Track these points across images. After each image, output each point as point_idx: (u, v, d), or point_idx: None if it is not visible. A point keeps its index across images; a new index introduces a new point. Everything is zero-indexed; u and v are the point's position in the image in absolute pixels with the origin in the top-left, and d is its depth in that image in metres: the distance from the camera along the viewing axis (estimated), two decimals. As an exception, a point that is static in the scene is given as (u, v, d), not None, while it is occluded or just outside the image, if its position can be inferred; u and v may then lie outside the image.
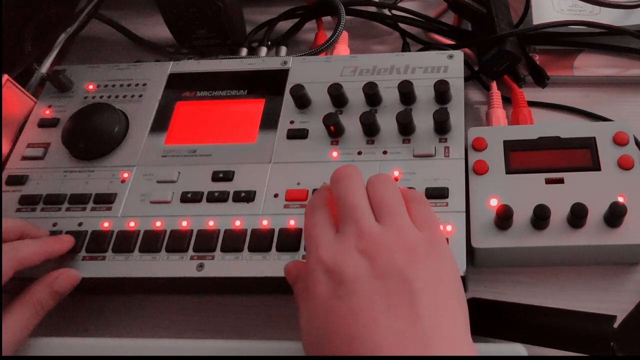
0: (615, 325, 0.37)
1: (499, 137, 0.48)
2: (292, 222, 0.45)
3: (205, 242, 0.45)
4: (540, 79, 0.54)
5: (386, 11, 0.62)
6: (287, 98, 0.51)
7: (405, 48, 0.59)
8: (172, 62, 0.56)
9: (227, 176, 0.48)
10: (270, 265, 0.43)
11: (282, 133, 0.50)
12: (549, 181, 0.45)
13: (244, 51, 0.60)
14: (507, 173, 0.46)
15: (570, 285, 0.44)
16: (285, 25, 0.63)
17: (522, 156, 0.46)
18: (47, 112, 0.54)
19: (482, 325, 0.39)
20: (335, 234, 0.36)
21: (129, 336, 0.45)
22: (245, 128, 0.51)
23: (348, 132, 0.49)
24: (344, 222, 0.36)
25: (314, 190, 0.46)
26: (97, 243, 0.46)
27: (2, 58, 0.59)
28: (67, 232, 0.46)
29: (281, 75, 0.53)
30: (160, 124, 0.52)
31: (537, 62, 0.56)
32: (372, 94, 0.49)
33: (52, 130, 0.52)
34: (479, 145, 0.47)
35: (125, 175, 0.49)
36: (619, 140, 0.46)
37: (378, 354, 0.30)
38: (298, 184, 0.47)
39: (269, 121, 0.50)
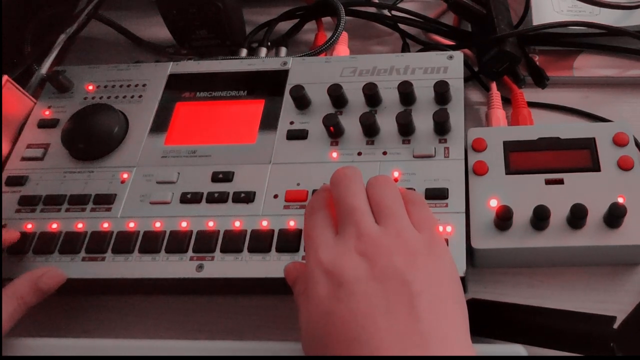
0: (615, 326, 0.37)
1: (499, 138, 0.48)
2: (291, 223, 0.45)
3: (205, 242, 0.45)
4: (540, 80, 0.54)
5: (386, 12, 0.62)
6: (287, 99, 0.51)
7: (405, 49, 0.59)
8: (171, 62, 0.56)
9: (227, 177, 0.48)
10: (270, 266, 0.43)
11: (282, 134, 0.50)
12: (548, 182, 0.45)
13: (244, 52, 0.60)
14: (507, 174, 0.46)
15: (570, 286, 0.44)
16: (285, 26, 0.63)
17: (522, 157, 0.46)
18: (47, 112, 0.54)
19: (482, 326, 0.39)
20: (335, 235, 0.36)
21: (129, 337, 0.45)
22: (245, 129, 0.51)
23: (348, 133, 0.49)
24: (344, 224, 0.36)
25: (314, 191, 0.46)
26: (97, 244, 0.46)
27: (2, 58, 0.59)
28: (66, 233, 0.46)
29: (281, 75, 0.53)
30: (160, 124, 0.52)
31: (537, 63, 0.56)
32: (371, 95, 0.49)
33: (52, 131, 0.52)
34: (478, 146, 0.47)
35: (125, 175, 0.49)
36: (618, 141, 0.46)
37: (377, 355, 0.30)
38: (298, 184, 0.47)
39: (269, 122, 0.50)
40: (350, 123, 0.49)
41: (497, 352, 0.39)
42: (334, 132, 0.48)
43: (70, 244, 0.46)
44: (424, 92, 0.50)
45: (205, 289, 0.46)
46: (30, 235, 0.47)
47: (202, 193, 0.47)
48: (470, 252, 0.44)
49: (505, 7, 0.56)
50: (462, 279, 0.41)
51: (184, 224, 0.46)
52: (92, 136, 0.50)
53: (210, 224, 0.45)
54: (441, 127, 0.47)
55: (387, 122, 0.48)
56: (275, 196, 0.46)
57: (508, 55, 0.52)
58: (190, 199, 0.47)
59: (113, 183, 0.49)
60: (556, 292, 0.44)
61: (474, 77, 0.56)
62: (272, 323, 0.45)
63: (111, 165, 0.50)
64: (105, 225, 0.47)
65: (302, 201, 0.46)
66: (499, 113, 0.52)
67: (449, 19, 0.62)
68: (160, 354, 0.41)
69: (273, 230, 0.45)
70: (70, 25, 0.61)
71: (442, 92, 0.48)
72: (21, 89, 0.54)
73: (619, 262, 0.45)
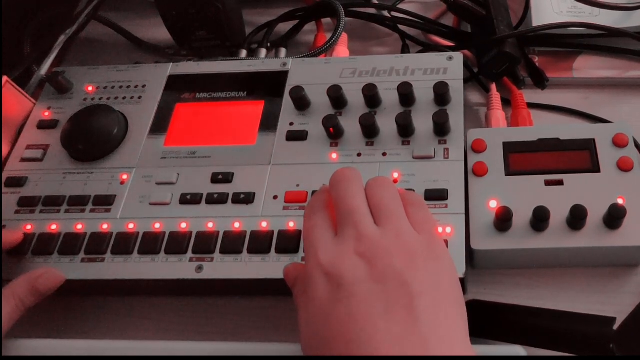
0: (615, 327, 0.37)
1: (499, 139, 0.48)
2: (291, 224, 0.45)
3: (205, 243, 0.45)
4: (540, 81, 0.54)
5: (386, 13, 0.62)
6: (287, 100, 0.51)
7: (405, 50, 0.59)
8: (171, 63, 0.56)
9: (227, 178, 0.48)
10: (270, 267, 0.43)
11: (282, 135, 0.50)
12: (548, 183, 0.45)
13: (244, 53, 0.60)
14: (506, 175, 0.46)
15: (569, 287, 0.44)
16: (284, 27, 0.63)
17: (521, 158, 0.46)
18: (47, 113, 0.54)
19: (481, 328, 0.39)
20: (334, 237, 0.36)
21: (128, 338, 0.45)
22: (245, 130, 0.51)
23: (347, 134, 0.49)
24: (343, 225, 0.36)
25: (314, 192, 0.46)
26: (96, 245, 0.46)
27: (2, 59, 0.59)
28: (66, 234, 0.46)
29: (281, 76, 0.53)
30: (160, 125, 0.52)
31: (537, 64, 0.56)
32: (371, 96, 0.49)
33: (52, 132, 0.52)
34: (478, 147, 0.47)
35: (125, 176, 0.49)
36: (618, 142, 0.46)
37: (377, 355, 0.30)
38: (297, 185, 0.47)
39: (269, 123, 0.50)
40: (350, 124, 0.49)
41: (496, 353, 0.39)
42: (334, 133, 0.48)
43: (69, 245, 0.46)
44: (424, 93, 0.50)
45: (205, 290, 0.46)
46: (29, 236, 0.47)
47: (202, 194, 0.47)
48: (470, 253, 0.44)
49: (505, 8, 0.56)
50: (462, 280, 0.41)
51: (183, 225, 0.46)
52: (91, 137, 0.50)
53: (210, 225, 0.45)
54: (441, 128, 0.47)
55: (386, 123, 0.48)
56: (275, 197, 0.46)
57: (508, 57, 0.52)
58: (189, 200, 0.47)
59: (112, 184, 0.49)
60: (556, 293, 0.44)
61: (474, 78, 0.56)
62: (272, 324, 0.45)
63: (111, 166, 0.50)
64: (105, 226, 0.47)
65: (301, 202, 0.46)
66: (498, 114, 0.52)
67: (449, 20, 0.62)
68: (160, 354, 0.41)
69: (273, 232, 0.44)
70: (70, 26, 0.61)
71: (441, 93, 0.48)
72: (21, 89, 0.54)
73: (619, 263, 0.45)
